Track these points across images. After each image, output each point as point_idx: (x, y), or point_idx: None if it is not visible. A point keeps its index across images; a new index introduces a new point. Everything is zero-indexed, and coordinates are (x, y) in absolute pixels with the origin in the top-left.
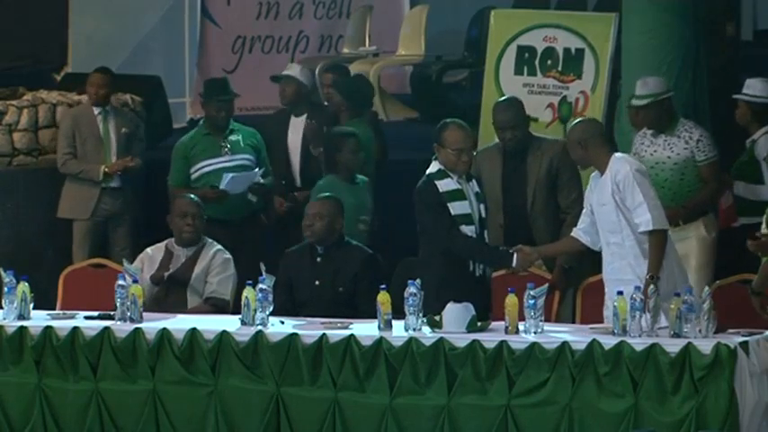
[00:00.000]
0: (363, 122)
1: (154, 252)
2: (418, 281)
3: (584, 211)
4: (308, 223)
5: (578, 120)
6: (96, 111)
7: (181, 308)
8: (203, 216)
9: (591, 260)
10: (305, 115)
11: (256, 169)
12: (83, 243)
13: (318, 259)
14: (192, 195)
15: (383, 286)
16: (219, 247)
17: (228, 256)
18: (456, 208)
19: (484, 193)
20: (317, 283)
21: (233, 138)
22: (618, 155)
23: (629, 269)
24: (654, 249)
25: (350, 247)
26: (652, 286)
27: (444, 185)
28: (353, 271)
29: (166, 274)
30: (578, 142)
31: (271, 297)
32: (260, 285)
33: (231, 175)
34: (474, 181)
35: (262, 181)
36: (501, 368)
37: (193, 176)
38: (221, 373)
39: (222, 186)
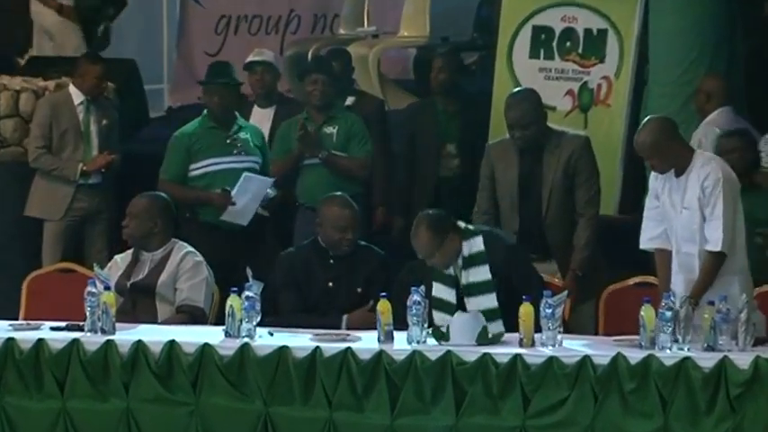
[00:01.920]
0: (350, 112)
1: (123, 259)
2: (422, 287)
3: (647, 215)
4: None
5: (647, 120)
6: (77, 100)
7: (151, 320)
8: (154, 216)
9: (608, 266)
10: (273, 107)
11: (269, 179)
12: (54, 246)
13: (332, 261)
14: (146, 193)
15: (383, 294)
16: (189, 249)
17: (200, 258)
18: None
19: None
20: (330, 284)
21: (243, 135)
22: (707, 154)
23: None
24: (707, 271)
25: (361, 247)
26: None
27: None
28: (369, 272)
29: (129, 282)
30: (653, 147)
31: (258, 306)
32: (246, 293)
33: (247, 175)
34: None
35: (271, 194)
36: (515, 385)
37: (193, 173)
38: (203, 390)
39: (235, 192)
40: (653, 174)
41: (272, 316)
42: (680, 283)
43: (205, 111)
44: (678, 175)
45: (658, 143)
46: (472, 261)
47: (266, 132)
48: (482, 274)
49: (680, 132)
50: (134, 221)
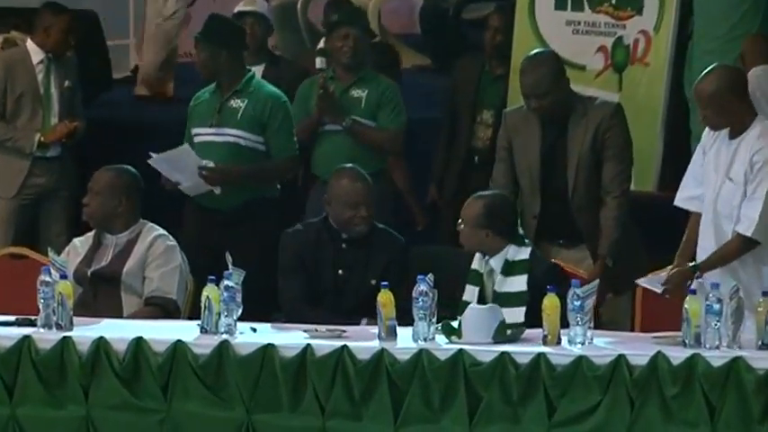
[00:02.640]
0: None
1: (82, 243)
2: (430, 276)
3: (691, 169)
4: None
5: (714, 66)
6: (36, 59)
7: (115, 313)
8: (118, 193)
9: (647, 252)
10: (262, 66)
11: (185, 145)
12: (5, 228)
13: (344, 245)
14: (109, 167)
15: (384, 283)
16: (161, 231)
17: (173, 242)
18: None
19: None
20: (340, 272)
21: (233, 104)
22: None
23: (740, 270)
24: (730, 252)
25: (377, 230)
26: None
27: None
28: (387, 260)
29: (90, 270)
30: (712, 97)
31: (239, 297)
32: (225, 282)
33: (156, 156)
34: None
35: (210, 165)
36: (538, 389)
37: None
38: (175, 395)
39: (157, 167)
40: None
41: (280, 311)
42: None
43: None
44: (732, 137)
45: (719, 94)
46: (513, 269)
47: None
48: (518, 284)
49: (748, 90)
50: (96, 199)
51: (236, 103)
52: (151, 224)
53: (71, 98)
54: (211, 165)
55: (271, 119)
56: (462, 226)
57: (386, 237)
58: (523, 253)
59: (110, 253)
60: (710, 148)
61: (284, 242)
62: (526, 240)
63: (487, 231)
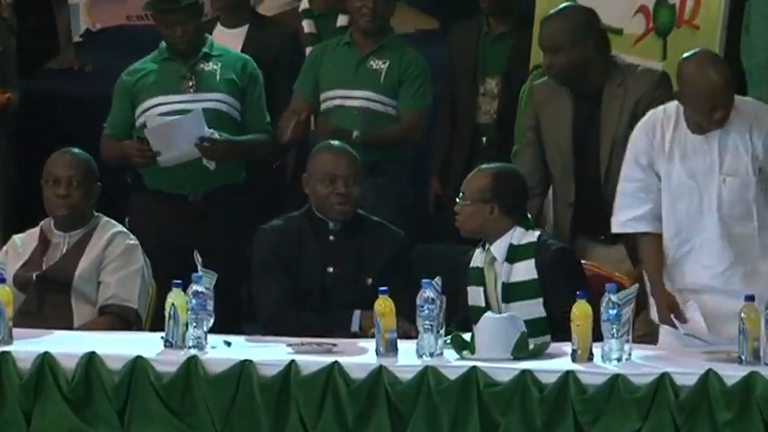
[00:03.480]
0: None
1: (24, 241)
2: (438, 280)
3: (625, 189)
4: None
5: (701, 52)
6: None
7: (64, 324)
8: (90, 182)
9: None
10: (244, 28)
11: (198, 107)
12: None
13: (331, 237)
14: (76, 150)
15: (383, 288)
16: (119, 228)
17: (134, 241)
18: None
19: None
20: (329, 269)
21: (206, 67)
22: (747, 99)
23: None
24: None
25: (372, 223)
26: None
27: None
28: (385, 257)
29: (36, 273)
30: (728, 89)
31: (210, 304)
32: (193, 287)
33: (158, 120)
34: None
35: (215, 136)
36: (566, 414)
37: (138, 121)
38: (134, 421)
39: (153, 140)
40: (642, 128)
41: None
42: (737, 279)
43: (164, 42)
44: (699, 131)
45: (731, 84)
46: (518, 254)
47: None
48: (527, 271)
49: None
50: (80, 190)
51: (210, 66)
52: (107, 219)
53: (5, 66)
54: (217, 135)
55: (249, 84)
56: (463, 203)
57: (382, 229)
58: (530, 236)
59: (58, 253)
60: (662, 157)
61: (259, 239)
62: (536, 228)
63: (493, 206)
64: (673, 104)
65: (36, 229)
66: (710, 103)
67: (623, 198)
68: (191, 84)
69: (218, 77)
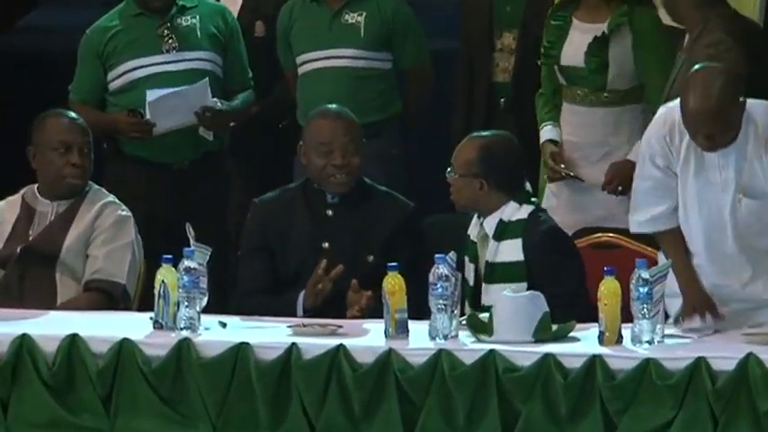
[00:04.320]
0: None
1: (4, 209)
2: (452, 254)
3: (641, 186)
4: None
5: (699, 72)
6: None
7: (46, 301)
8: (92, 148)
9: None
10: None
11: (204, 80)
12: None
13: (329, 212)
14: (72, 114)
15: (393, 264)
16: (111, 198)
17: (126, 212)
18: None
19: None
20: (325, 245)
21: (183, 22)
22: (761, 103)
23: None
24: None
25: (378, 194)
26: None
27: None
28: (389, 231)
29: (20, 246)
30: (719, 114)
31: (204, 282)
32: (185, 263)
33: (158, 92)
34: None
35: (219, 106)
36: (593, 402)
37: (114, 86)
38: (120, 410)
39: (148, 113)
40: (659, 131)
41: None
42: (760, 290)
43: None
44: (713, 148)
45: (725, 108)
46: (506, 231)
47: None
48: (512, 252)
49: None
50: (89, 156)
51: (188, 20)
52: (98, 187)
53: None
54: (219, 105)
55: (231, 37)
56: (452, 175)
57: (388, 200)
58: (522, 212)
59: (45, 223)
60: (681, 163)
61: (251, 214)
62: (533, 199)
63: (481, 181)
64: None
65: (16, 198)
66: (693, 127)
67: (640, 196)
68: (171, 42)
69: (198, 33)
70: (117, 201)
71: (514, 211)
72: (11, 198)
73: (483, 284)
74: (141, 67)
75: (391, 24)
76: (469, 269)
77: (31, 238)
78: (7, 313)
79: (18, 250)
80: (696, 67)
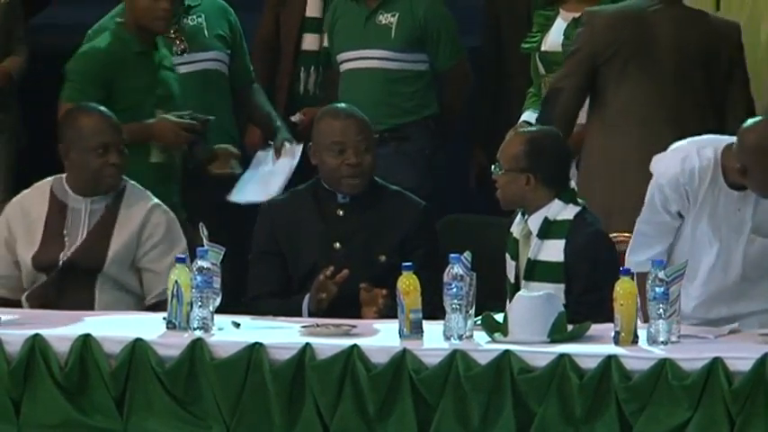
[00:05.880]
0: None
1: (30, 200)
2: (467, 254)
3: (644, 230)
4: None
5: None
6: None
7: (83, 309)
8: (126, 144)
9: None
10: None
11: (268, 151)
12: None
13: (340, 212)
14: (103, 109)
15: (407, 264)
16: (153, 199)
17: (170, 213)
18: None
19: None
20: (336, 245)
21: (190, 22)
22: None
23: None
24: None
25: (390, 194)
26: None
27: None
28: (402, 231)
29: (63, 259)
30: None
31: (217, 282)
32: (198, 262)
33: (241, 190)
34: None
35: (286, 143)
36: (609, 403)
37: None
38: (133, 410)
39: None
40: (678, 179)
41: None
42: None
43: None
44: (739, 187)
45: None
46: (551, 230)
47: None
48: (555, 252)
49: None
50: (125, 154)
51: (194, 20)
52: (132, 182)
53: (9, 19)
54: (287, 141)
55: (235, 35)
56: (499, 172)
57: (400, 200)
58: (569, 211)
59: (81, 225)
60: (695, 208)
61: (259, 218)
62: (579, 200)
63: (528, 176)
64: (710, 151)
65: (44, 188)
66: (746, 163)
67: (640, 238)
68: (180, 44)
69: (206, 33)
70: (157, 200)
71: (560, 210)
72: (38, 186)
73: (522, 282)
74: None
75: (423, 26)
76: (511, 267)
77: (66, 241)
78: (21, 314)
79: (60, 263)
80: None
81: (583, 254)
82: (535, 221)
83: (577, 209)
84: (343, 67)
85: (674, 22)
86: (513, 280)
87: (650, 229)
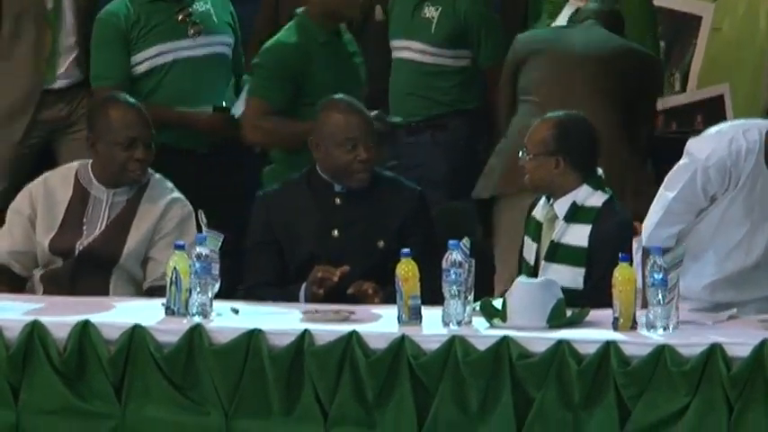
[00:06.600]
0: None
1: (55, 183)
2: (466, 241)
3: (674, 208)
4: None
5: None
6: None
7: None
8: (153, 139)
9: None
10: None
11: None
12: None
13: (338, 200)
14: (135, 102)
15: (405, 251)
16: (175, 194)
17: (189, 207)
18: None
19: None
20: (334, 233)
21: (199, 7)
22: None
23: None
24: None
25: (384, 180)
26: None
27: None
28: (400, 217)
29: (80, 242)
30: None
31: (216, 268)
32: (197, 249)
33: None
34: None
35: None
36: (607, 389)
37: (136, 70)
38: (132, 396)
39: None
40: (724, 161)
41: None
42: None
43: None
44: None
45: None
46: (579, 215)
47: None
48: (580, 237)
49: None
50: (151, 148)
51: (202, 6)
52: (159, 175)
53: (86, 17)
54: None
55: (235, 23)
56: (525, 157)
57: (396, 186)
58: (597, 198)
59: (100, 213)
60: (733, 189)
61: (254, 208)
62: (607, 189)
63: (558, 159)
64: (755, 133)
65: (69, 172)
66: None
67: (669, 216)
68: (194, 27)
69: (215, 18)
70: (179, 194)
71: (588, 196)
72: (63, 169)
73: (543, 263)
74: (165, 52)
75: (464, 22)
76: (531, 248)
77: (84, 229)
78: (20, 299)
79: (77, 252)
80: None
81: (608, 241)
82: (562, 205)
83: (605, 196)
84: (393, 54)
85: (593, 34)
86: (532, 262)
87: (681, 207)
